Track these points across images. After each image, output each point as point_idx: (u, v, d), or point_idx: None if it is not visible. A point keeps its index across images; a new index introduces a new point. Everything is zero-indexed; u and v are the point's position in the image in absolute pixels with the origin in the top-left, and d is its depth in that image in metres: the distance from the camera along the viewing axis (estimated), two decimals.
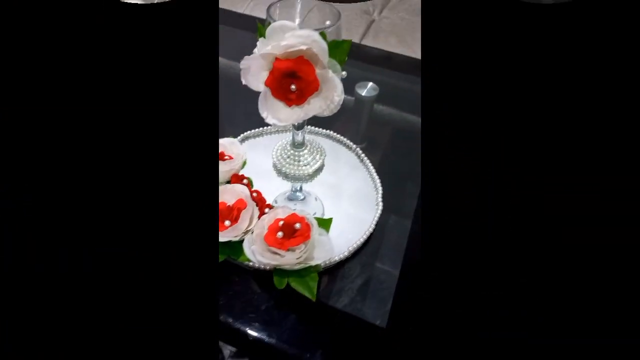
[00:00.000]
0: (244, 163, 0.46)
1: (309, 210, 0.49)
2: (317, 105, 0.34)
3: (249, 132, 0.52)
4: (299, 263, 0.35)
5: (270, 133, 0.54)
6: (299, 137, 0.47)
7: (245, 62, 0.32)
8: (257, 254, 0.35)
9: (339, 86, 0.32)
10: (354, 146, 0.52)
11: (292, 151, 0.49)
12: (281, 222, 0.37)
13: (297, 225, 0.36)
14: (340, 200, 0.48)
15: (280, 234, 0.36)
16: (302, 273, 0.36)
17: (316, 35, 0.29)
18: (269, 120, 0.35)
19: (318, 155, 0.49)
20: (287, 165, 0.48)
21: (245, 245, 0.36)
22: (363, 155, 0.51)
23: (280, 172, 0.48)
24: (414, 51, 0.81)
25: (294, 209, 0.41)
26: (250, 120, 0.54)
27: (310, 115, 0.35)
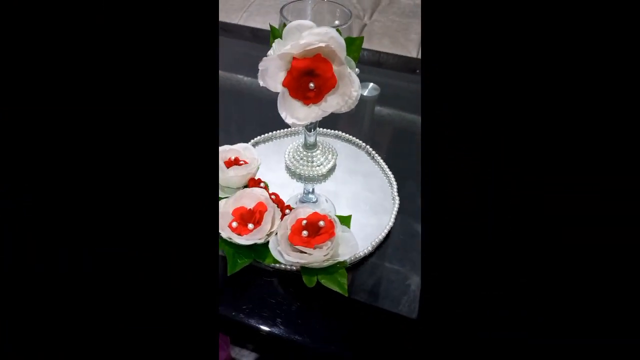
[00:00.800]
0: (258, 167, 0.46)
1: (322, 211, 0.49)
2: (334, 102, 0.35)
3: (258, 137, 0.53)
4: (327, 260, 0.35)
5: (280, 137, 0.54)
6: (311, 138, 0.48)
7: (264, 64, 0.32)
8: (284, 254, 0.35)
9: (356, 81, 0.33)
10: (364, 144, 0.52)
11: (304, 152, 0.49)
12: (304, 222, 0.37)
13: (321, 223, 0.36)
14: (356, 197, 0.49)
15: (305, 232, 0.36)
16: (330, 270, 0.36)
17: (333, 32, 0.30)
18: (288, 120, 0.35)
19: (330, 155, 0.50)
20: (300, 167, 0.48)
21: (271, 246, 0.36)
22: (374, 152, 0.51)
23: (294, 174, 0.49)
24: (409, 51, 0.83)
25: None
26: (249, 130, 0.54)
27: (328, 112, 0.35)
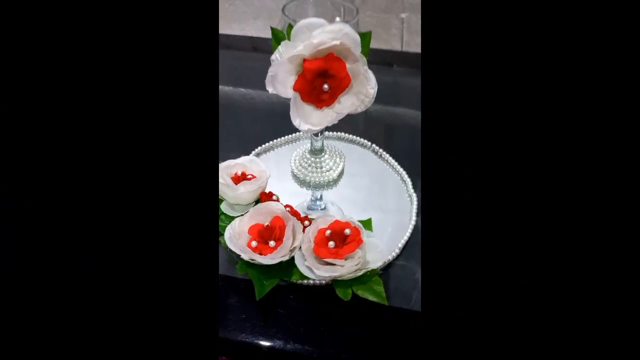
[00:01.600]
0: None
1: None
2: (349, 103, 0.33)
3: (258, 148, 0.50)
4: (359, 269, 0.33)
5: (280, 146, 0.51)
6: (318, 143, 0.46)
7: (273, 69, 0.30)
8: (314, 269, 0.33)
9: (372, 78, 0.31)
10: (369, 143, 0.51)
11: (312, 158, 0.47)
12: (328, 232, 0.35)
13: (347, 231, 0.34)
14: (368, 199, 0.47)
15: (331, 243, 0.34)
16: (364, 279, 0.34)
17: (347, 28, 0.28)
18: (302, 127, 0.33)
19: (338, 159, 0.48)
20: (309, 174, 0.46)
21: (298, 263, 0.34)
22: (381, 150, 0.50)
23: (303, 182, 0.46)
24: (392, 46, 0.82)
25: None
26: (246, 142, 0.52)
27: (344, 114, 0.33)
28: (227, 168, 0.41)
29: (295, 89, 0.31)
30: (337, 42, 0.28)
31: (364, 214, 0.44)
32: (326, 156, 0.48)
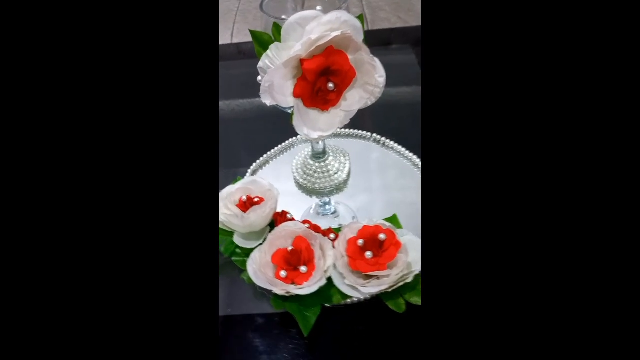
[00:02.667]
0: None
1: (345, 222, 0.44)
2: (357, 98, 0.29)
3: (253, 164, 0.46)
4: (406, 275, 0.30)
5: (275, 156, 0.47)
6: (319, 146, 0.42)
7: (268, 78, 0.26)
8: (358, 286, 0.29)
9: (379, 65, 0.28)
10: (369, 134, 0.48)
11: (316, 164, 0.43)
12: (360, 241, 0.32)
13: (382, 236, 0.31)
14: (383, 192, 0.44)
15: (368, 254, 0.31)
16: (413, 284, 0.31)
17: (345, 15, 0.24)
18: (311, 135, 0.29)
19: (343, 158, 0.44)
20: (317, 181, 0.42)
21: (338, 283, 0.31)
22: (383, 139, 0.47)
23: (311, 191, 0.43)
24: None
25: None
26: (237, 159, 0.48)
27: (355, 111, 0.30)
28: (229, 196, 0.37)
29: (296, 95, 0.28)
30: (339, 33, 0.24)
31: (382, 210, 0.41)
32: (330, 158, 0.44)
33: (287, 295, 0.30)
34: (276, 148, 0.47)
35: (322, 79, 0.27)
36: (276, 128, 0.49)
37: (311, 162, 0.44)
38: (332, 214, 0.46)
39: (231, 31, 1.06)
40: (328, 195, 0.43)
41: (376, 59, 0.28)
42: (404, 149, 0.45)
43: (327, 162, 0.43)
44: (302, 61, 0.26)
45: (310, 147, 0.43)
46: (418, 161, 0.44)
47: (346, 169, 0.44)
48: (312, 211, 0.47)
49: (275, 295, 0.31)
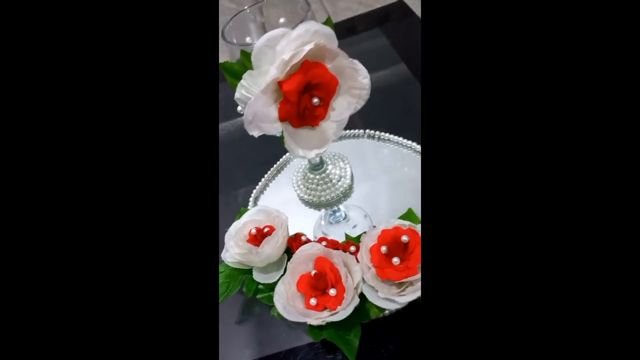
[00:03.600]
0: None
1: (360, 226, 0.42)
2: (344, 105, 0.28)
3: (253, 192, 0.44)
4: None
5: (273, 177, 0.46)
6: (316, 157, 0.41)
7: (250, 110, 0.24)
8: (394, 297, 0.28)
9: (360, 67, 0.26)
10: (361, 131, 0.46)
11: (316, 177, 0.42)
12: (384, 248, 0.30)
13: (405, 238, 0.30)
14: (392, 186, 0.43)
15: (395, 260, 0.29)
16: None
17: (313, 25, 0.23)
18: (309, 155, 0.27)
19: (342, 163, 0.43)
20: (322, 193, 0.41)
21: (372, 298, 0.29)
22: (377, 132, 0.45)
23: (319, 205, 0.41)
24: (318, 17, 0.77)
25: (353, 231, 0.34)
26: (233, 186, 0.46)
27: (346, 118, 0.28)
28: (238, 233, 0.35)
29: (282, 118, 0.26)
30: (312, 46, 0.22)
31: (394, 204, 0.39)
32: (329, 167, 0.43)
33: (324, 324, 0.29)
34: (272, 169, 0.46)
35: (305, 96, 0.25)
36: (266, 144, 0.48)
37: (311, 176, 0.42)
38: (344, 219, 0.45)
39: None
40: (337, 205, 0.42)
41: (356, 61, 0.26)
42: (400, 138, 0.44)
43: (327, 171, 0.42)
44: (280, 84, 0.24)
45: (307, 160, 0.42)
46: (418, 147, 0.43)
47: (348, 174, 0.42)
48: (322, 221, 0.45)
49: (312, 327, 0.29)
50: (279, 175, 0.46)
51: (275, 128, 0.26)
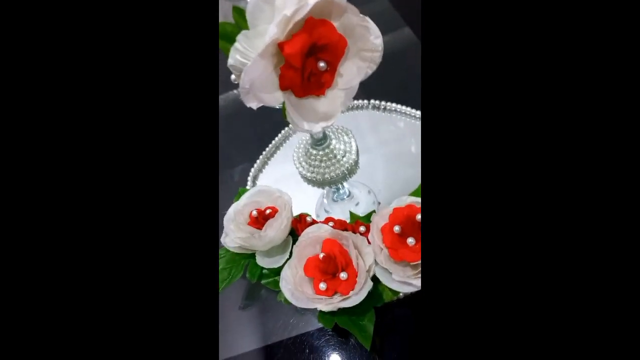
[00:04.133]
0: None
1: (364, 203, 0.40)
2: (354, 70, 0.24)
3: (252, 170, 0.41)
4: None
5: (272, 154, 0.43)
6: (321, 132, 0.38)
7: (246, 78, 0.21)
8: (410, 280, 0.26)
9: (371, 24, 0.23)
10: (366, 102, 0.43)
11: (320, 152, 0.39)
12: (397, 228, 0.28)
13: (419, 217, 0.28)
14: (399, 161, 0.40)
15: (411, 240, 0.27)
16: None
17: None
18: (315, 129, 0.24)
19: (347, 137, 0.40)
20: (326, 170, 0.38)
21: (386, 281, 0.27)
22: (383, 103, 0.42)
23: (323, 182, 0.39)
24: None
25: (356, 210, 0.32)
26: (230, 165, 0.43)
27: (356, 86, 0.25)
28: (238, 215, 0.33)
29: (283, 87, 0.23)
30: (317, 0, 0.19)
31: (400, 180, 0.37)
32: (333, 142, 0.40)
33: (335, 311, 0.27)
34: (271, 145, 0.43)
35: (310, 60, 0.22)
36: (263, 118, 0.45)
37: (314, 152, 0.39)
38: (348, 197, 0.43)
39: None
40: (341, 182, 0.39)
41: (367, 18, 0.23)
42: (408, 108, 0.40)
43: (331, 146, 0.39)
44: (281, 45, 0.21)
45: (309, 135, 0.39)
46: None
47: (353, 149, 0.39)
48: (325, 199, 0.43)
49: (322, 313, 0.28)
50: (278, 151, 0.43)
51: (275, 98, 0.23)
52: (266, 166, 0.42)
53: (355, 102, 0.43)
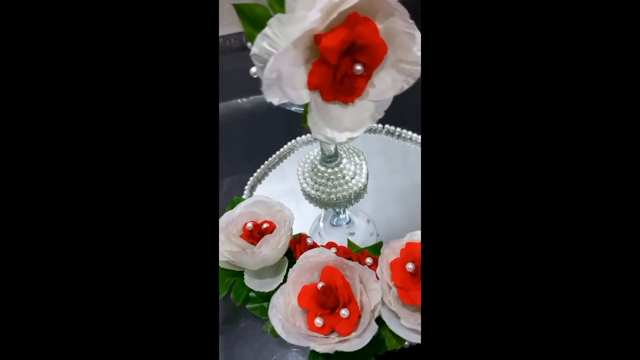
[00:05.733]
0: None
1: (361, 233, 0.37)
2: (389, 81, 0.22)
3: (250, 179, 0.38)
4: None
5: (275, 165, 0.40)
6: (332, 145, 0.35)
7: (273, 67, 0.18)
8: (419, 326, 0.23)
9: (417, 34, 0.21)
10: (380, 126, 0.41)
11: (328, 170, 0.36)
12: (410, 266, 0.25)
13: None
14: (405, 192, 0.37)
15: None
16: None
17: None
18: (339, 138, 0.21)
19: (358, 159, 0.37)
20: (332, 190, 0.35)
21: (392, 326, 0.24)
22: (398, 129, 0.40)
23: (327, 203, 0.35)
24: None
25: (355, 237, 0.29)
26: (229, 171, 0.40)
27: (389, 100, 0.22)
28: (230, 225, 0.29)
29: (312, 86, 0.20)
30: None
31: (406, 215, 0.34)
32: (344, 160, 0.37)
33: (331, 354, 0.23)
34: (274, 155, 0.40)
35: (346, 59, 0.19)
36: (271, 131, 0.42)
37: (322, 168, 0.36)
38: (347, 223, 0.40)
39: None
40: (346, 206, 0.36)
41: (414, 26, 0.20)
42: (415, 135, 0.38)
43: (342, 165, 0.36)
44: (318, 37, 0.19)
45: (319, 150, 0.36)
46: None
47: (364, 172, 0.36)
48: (321, 223, 0.40)
49: (314, 353, 0.24)
50: (281, 163, 0.40)
51: (300, 96, 0.20)
52: (266, 177, 0.39)
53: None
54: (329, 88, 0.20)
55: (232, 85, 0.46)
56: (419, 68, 0.22)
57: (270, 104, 0.20)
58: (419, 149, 0.39)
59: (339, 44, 0.18)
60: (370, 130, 0.41)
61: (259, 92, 0.21)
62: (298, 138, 0.41)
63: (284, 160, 0.40)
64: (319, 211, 0.38)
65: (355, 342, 0.22)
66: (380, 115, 0.23)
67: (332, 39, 0.18)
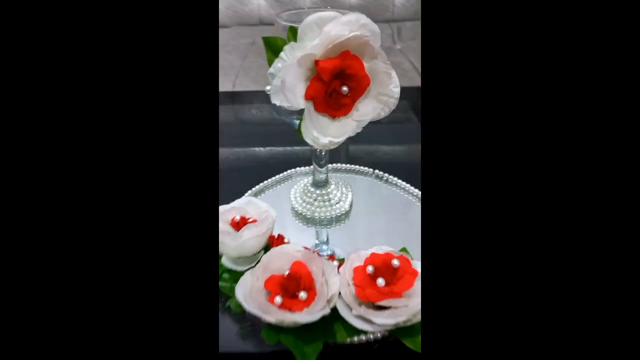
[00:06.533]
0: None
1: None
2: (369, 108, 0.28)
3: (248, 191, 0.43)
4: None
5: (273, 185, 0.45)
6: (322, 174, 0.40)
7: (282, 74, 0.25)
8: (372, 317, 0.25)
9: (393, 75, 0.27)
10: (370, 170, 0.46)
11: (317, 192, 0.41)
12: (370, 268, 0.28)
13: (396, 262, 0.28)
14: (388, 229, 0.40)
15: (381, 281, 0.27)
16: None
17: (364, 18, 0.24)
18: (321, 140, 0.27)
19: (345, 189, 0.42)
20: (317, 209, 0.40)
21: (345, 314, 0.26)
22: (386, 175, 0.45)
23: (310, 220, 0.39)
24: None
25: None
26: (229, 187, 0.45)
27: (366, 122, 0.28)
28: (222, 215, 0.33)
29: (308, 96, 0.26)
30: (358, 33, 0.24)
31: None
32: (332, 187, 0.42)
33: (281, 325, 0.25)
34: (273, 178, 0.45)
35: (336, 81, 0.26)
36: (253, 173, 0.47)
37: (312, 189, 0.41)
38: (329, 254, 0.42)
39: (232, 83, 1.10)
40: (327, 226, 0.40)
41: (390, 69, 0.27)
42: (408, 185, 0.43)
43: (329, 189, 0.41)
44: (317, 61, 0.25)
45: (312, 177, 0.41)
46: (418, 192, 0.42)
47: (348, 200, 0.41)
48: None
49: (268, 325, 0.26)
50: (279, 185, 0.45)
51: (298, 102, 0.27)
52: (263, 194, 0.43)
53: (360, 167, 0.46)
54: (321, 100, 0.27)
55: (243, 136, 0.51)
56: (393, 100, 0.28)
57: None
58: (402, 193, 0.43)
59: (332, 67, 0.25)
60: (360, 173, 0.46)
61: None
62: (297, 168, 0.46)
63: (282, 183, 0.45)
64: (303, 242, 0.41)
65: (306, 316, 0.24)
66: (358, 130, 0.28)
67: (327, 63, 0.25)
